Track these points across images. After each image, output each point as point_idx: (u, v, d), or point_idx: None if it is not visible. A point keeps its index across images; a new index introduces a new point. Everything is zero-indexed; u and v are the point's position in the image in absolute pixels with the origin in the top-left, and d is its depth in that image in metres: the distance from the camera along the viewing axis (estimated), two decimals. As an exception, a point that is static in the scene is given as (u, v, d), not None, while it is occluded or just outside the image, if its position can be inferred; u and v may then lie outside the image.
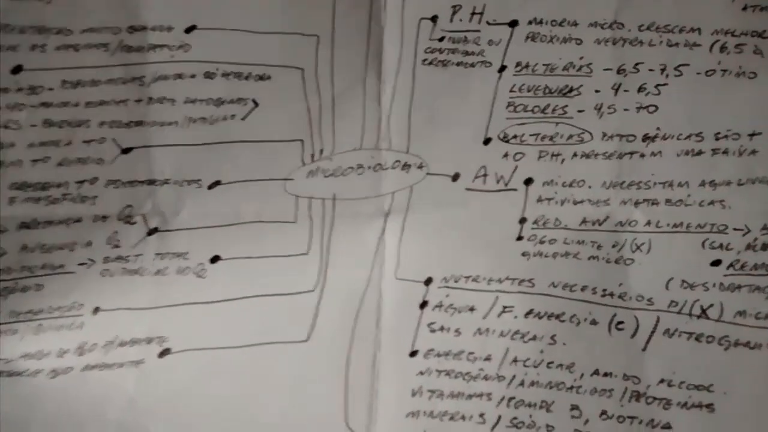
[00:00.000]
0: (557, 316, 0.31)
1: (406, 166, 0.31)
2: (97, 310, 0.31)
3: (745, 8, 0.31)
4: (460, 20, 0.30)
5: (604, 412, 0.30)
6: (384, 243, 0.31)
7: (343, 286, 0.31)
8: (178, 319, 0.31)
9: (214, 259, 0.31)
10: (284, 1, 0.30)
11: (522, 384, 0.30)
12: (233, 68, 0.30)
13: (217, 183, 0.31)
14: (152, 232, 0.31)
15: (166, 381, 0.30)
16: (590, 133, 0.31)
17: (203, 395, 0.30)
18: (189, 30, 0.30)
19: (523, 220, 0.31)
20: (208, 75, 0.30)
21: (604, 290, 0.31)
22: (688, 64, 0.31)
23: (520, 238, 0.31)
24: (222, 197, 0.31)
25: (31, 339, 0.31)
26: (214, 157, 0.30)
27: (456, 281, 0.31)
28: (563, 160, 0.31)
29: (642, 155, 0.31)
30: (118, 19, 0.30)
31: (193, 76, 0.30)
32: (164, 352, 0.31)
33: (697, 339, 0.30)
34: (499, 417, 0.30)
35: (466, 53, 0.30)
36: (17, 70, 0.29)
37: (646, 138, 0.31)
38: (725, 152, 0.31)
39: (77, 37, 0.29)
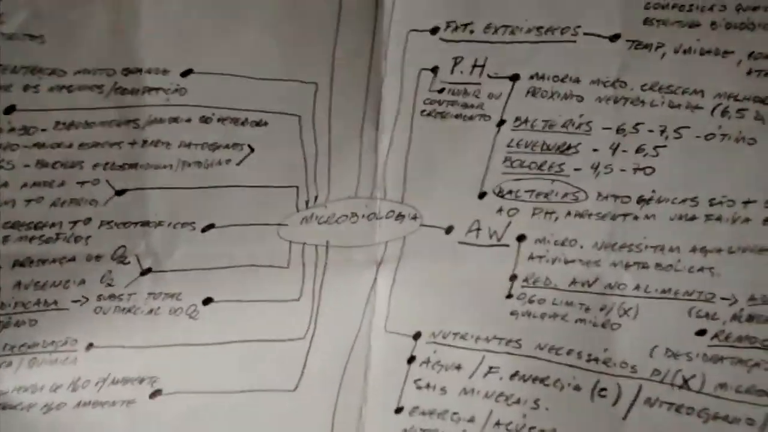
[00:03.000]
0: (542, 380, 0.30)
1: (400, 216, 0.31)
2: (90, 346, 0.31)
3: (749, 72, 0.30)
4: (461, 72, 0.29)
5: None
6: (375, 293, 0.31)
7: (333, 335, 0.31)
8: (169, 360, 0.30)
9: (207, 301, 0.31)
10: (283, 47, 0.29)
11: None
12: (229, 113, 0.29)
13: (211, 226, 0.30)
14: (145, 272, 0.31)
15: (156, 422, 0.31)
16: (585, 193, 0.30)
17: None
18: (185, 74, 0.29)
19: (513, 278, 0.31)
20: (204, 119, 0.29)
21: (589, 355, 0.30)
22: (688, 127, 0.30)
23: (509, 296, 0.31)
24: (215, 240, 0.30)
25: (26, 372, 0.31)
26: (208, 201, 0.30)
27: (444, 337, 0.31)
28: (557, 218, 0.30)
29: (636, 217, 0.30)
30: (112, 61, 0.29)
31: (188, 120, 0.29)
32: (155, 393, 0.31)
33: (677, 410, 0.30)
34: None
35: (466, 106, 0.30)
36: (10, 110, 0.28)
37: (641, 200, 0.30)
38: (719, 218, 0.30)
39: (71, 78, 0.29)
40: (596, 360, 0.30)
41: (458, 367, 0.31)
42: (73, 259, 0.30)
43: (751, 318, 0.30)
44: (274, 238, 0.31)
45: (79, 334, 0.31)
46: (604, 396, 0.30)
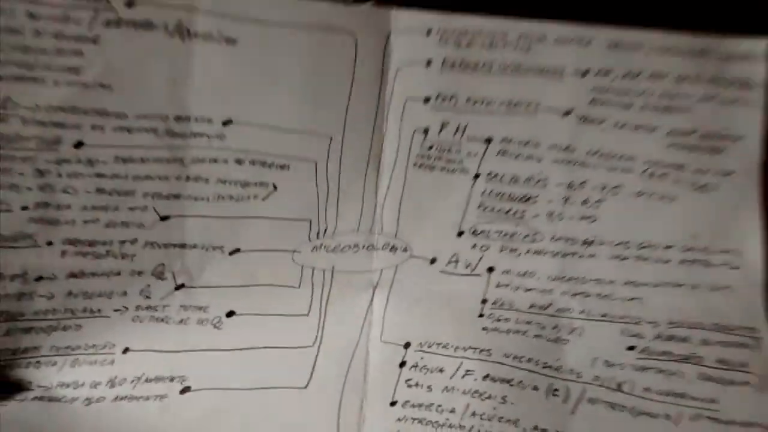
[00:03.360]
0: (508, 381, 0.37)
1: (393, 248, 0.37)
2: (126, 350, 0.36)
3: (669, 145, 0.38)
4: (447, 134, 0.36)
5: None
6: (372, 311, 0.37)
7: (337, 344, 0.36)
8: (197, 362, 0.35)
9: (230, 314, 0.37)
10: (306, 106, 0.35)
11: None
12: (259, 157, 0.36)
13: (237, 250, 0.36)
14: (179, 287, 0.36)
15: (185, 414, 0.35)
16: (542, 234, 0.37)
17: (217, 428, 0.35)
18: (226, 123, 0.35)
19: (484, 301, 0.37)
20: (238, 161, 0.36)
21: (545, 363, 0.37)
22: (623, 186, 0.38)
23: (481, 315, 0.37)
24: (240, 262, 0.36)
25: (68, 371, 0.35)
26: (236, 229, 0.36)
27: (429, 347, 0.37)
28: (519, 254, 0.37)
29: (581, 256, 0.37)
30: (167, 109, 0.35)
31: (225, 161, 0.35)
32: (185, 390, 0.35)
33: (612, 407, 0.37)
34: None
35: (449, 161, 0.37)
36: (79, 145, 0.34)
37: (585, 242, 0.37)
38: (646, 259, 0.37)
39: (131, 121, 0.35)
40: (550, 367, 0.37)
41: (441, 370, 0.37)
42: (118, 273, 0.36)
43: (669, 338, 0.37)
44: (289, 262, 0.37)
45: (118, 339, 0.36)
46: (556, 395, 0.37)
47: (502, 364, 0.37)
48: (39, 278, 0.35)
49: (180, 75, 0.35)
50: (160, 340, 0.36)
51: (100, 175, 0.35)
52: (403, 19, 0.36)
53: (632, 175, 0.38)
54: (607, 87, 0.37)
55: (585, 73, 0.37)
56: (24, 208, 0.34)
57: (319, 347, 0.37)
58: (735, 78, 0.38)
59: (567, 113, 0.37)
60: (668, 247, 0.38)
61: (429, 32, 0.36)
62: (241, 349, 0.36)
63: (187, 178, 0.36)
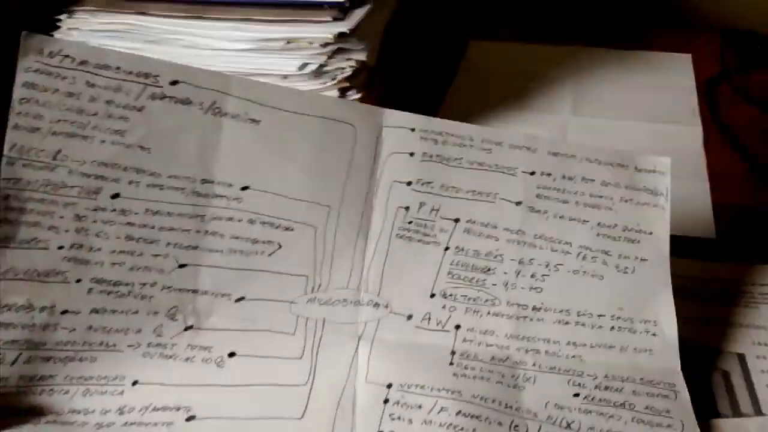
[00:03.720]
0: (477, 417, 0.41)
1: (376, 305, 0.43)
2: (135, 382, 0.39)
3: (597, 235, 0.48)
4: (423, 212, 0.44)
5: None
6: (357, 356, 0.42)
7: (327, 383, 0.41)
8: (201, 395, 0.39)
9: (231, 354, 0.41)
10: (311, 180, 0.42)
11: None
12: (269, 220, 0.42)
13: (242, 298, 0.41)
14: (188, 328, 0.40)
15: None
16: (499, 300, 0.44)
17: None
18: (244, 188, 0.41)
19: (453, 353, 0.43)
20: (251, 221, 0.41)
21: (506, 404, 0.42)
22: (563, 264, 0.46)
23: (451, 363, 0.43)
24: (244, 309, 0.41)
25: (79, 399, 0.38)
26: (243, 279, 0.41)
27: (409, 387, 0.42)
28: (481, 315, 0.44)
29: (531, 319, 0.45)
30: (195, 172, 0.41)
31: (240, 221, 0.41)
32: (190, 418, 0.38)
33: None
34: None
35: (425, 234, 0.44)
36: (115, 196, 0.40)
37: (534, 308, 0.45)
38: (583, 324, 0.45)
39: (164, 180, 0.40)
40: (511, 407, 0.43)
41: (419, 407, 0.41)
42: (136, 312, 0.40)
43: (606, 387, 0.44)
44: (286, 311, 0.42)
45: (128, 372, 0.39)
46: (517, 431, 0.43)
47: (471, 403, 0.42)
48: (65, 312, 0.39)
49: (209, 145, 0.42)
50: (167, 374, 0.40)
51: (130, 224, 0.40)
52: (393, 117, 0.45)
53: (570, 256, 0.46)
54: (549, 185, 0.47)
55: (533, 173, 0.47)
56: (60, 248, 0.39)
57: (311, 386, 0.41)
58: (645, 187, 0.48)
59: (518, 203, 0.46)
60: (600, 315, 0.46)
61: (413, 129, 0.45)
62: (241, 386, 0.41)
63: (206, 232, 0.41)
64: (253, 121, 0.42)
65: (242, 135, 0.42)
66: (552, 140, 0.48)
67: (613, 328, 0.46)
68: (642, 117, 0.75)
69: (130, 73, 0.41)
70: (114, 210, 0.40)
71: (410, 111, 0.46)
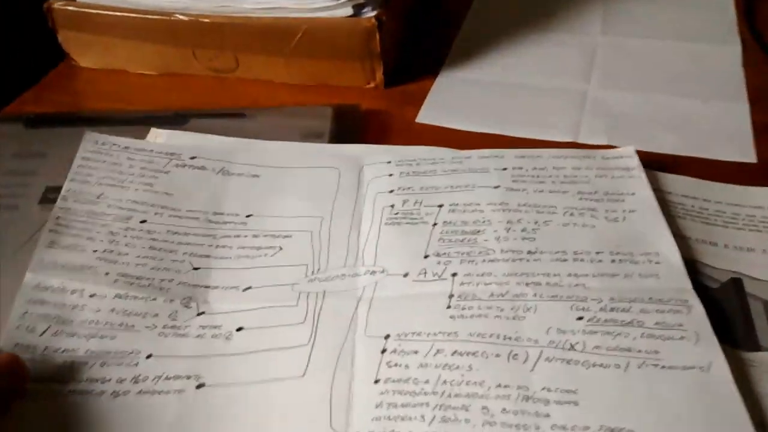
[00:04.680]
0: (473, 354, 0.40)
1: (373, 272, 0.45)
2: (150, 356, 0.42)
3: (581, 199, 0.49)
4: (407, 205, 0.49)
5: (504, 409, 0.37)
6: (357, 315, 0.42)
7: (328, 341, 0.41)
8: (210, 365, 0.40)
9: (239, 329, 0.43)
10: (306, 204, 0.50)
11: (449, 395, 0.38)
12: (270, 232, 0.48)
13: (249, 287, 0.45)
14: (200, 314, 0.44)
15: (201, 405, 0.39)
16: (493, 250, 0.45)
17: (228, 415, 0.39)
18: (248, 216, 0.49)
19: (450, 296, 0.43)
20: (255, 236, 0.48)
21: (505, 336, 0.40)
22: (551, 221, 0.47)
23: (449, 307, 0.42)
24: (250, 295, 0.44)
25: (97, 369, 0.40)
26: (249, 275, 0.45)
27: (405, 335, 0.41)
28: (476, 264, 0.44)
29: (528, 260, 0.45)
30: (208, 209, 0.49)
31: (245, 236, 0.48)
32: (200, 386, 0.40)
33: (567, 362, 0.39)
34: (434, 416, 0.37)
35: (412, 219, 0.48)
36: (143, 221, 0.48)
37: (529, 252, 0.45)
38: (582, 260, 0.45)
39: (182, 213, 0.49)
40: (509, 338, 0.40)
41: (416, 352, 0.40)
42: (154, 299, 0.44)
43: (612, 309, 0.42)
44: (289, 291, 0.45)
45: (143, 348, 0.42)
46: (516, 358, 0.39)
47: (467, 341, 0.41)
48: (92, 295, 0.44)
49: (219, 193, 0.51)
50: (179, 348, 0.42)
51: (154, 239, 0.48)
52: (371, 156, 0.54)
53: (557, 215, 0.48)
54: (523, 174, 0.51)
55: (504, 169, 0.52)
56: (94, 251, 0.46)
57: (313, 344, 0.42)
58: (616, 166, 0.52)
59: (496, 187, 0.50)
60: (598, 252, 0.45)
61: (389, 162, 0.53)
62: (246, 353, 0.42)
63: (216, 246, 0.48)
64: (254, 176, 0.53)
65: (246, 185, 0.52)
66: (517, 150, 0.54)
67: (613, 261, 0.45)
68: (677, 36, 0.70)
69: (160, 152, 0.54)
70: (141, 230, 0.48)
71: (428, 35, 0.59)
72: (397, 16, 0.65)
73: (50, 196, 0.54)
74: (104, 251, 0.46)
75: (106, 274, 0.45)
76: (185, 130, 0.60)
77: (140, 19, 0.66)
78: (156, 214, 0.49)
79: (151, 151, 0.54)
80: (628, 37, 0.71)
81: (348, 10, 0.61)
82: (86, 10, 0.67)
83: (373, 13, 0.61)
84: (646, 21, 0.72)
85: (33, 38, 0.74)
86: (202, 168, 0.53)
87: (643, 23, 0.72)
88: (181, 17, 0.65)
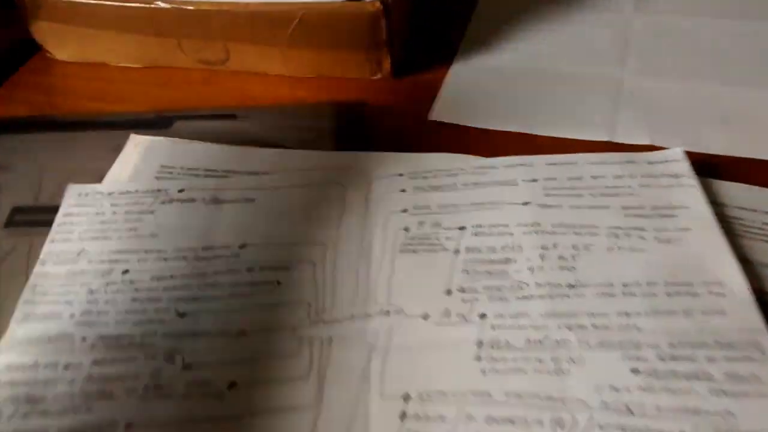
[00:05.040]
0: (510, 421, 0.33)
1: (387, 313, 0.38)
2: (129, 425, 0.36)
3: (626, 216, 0.43)
4: (424, 228, 0.42)
5: None
6: (369, 369, 0.36)
7: (337, 403, 0.35)
8: (199, 429, 0.35)
9: (231, 385, 0.37)
10: (308, 228, 0.43)
11: None
12: (267, 264, 0.41)
13: (243, 332, 0.39)
14: (187, 367, 0.38)
15: None
16: (527, 284, 0.39)
17: None
18: (242, 246, 0.43)
19: (479, 344, 0.37)
20: (249, 269, 0.41)
21: (547, 396, 0.34)
22: (592, 244, 0.41)
23: (478, 358, 0.36)
24: (243, 342, 0.38)
25: None
26: (243, 316, 0.39)
27: (428, 396, 0.35)
28: (508, 301, 0.38)
29: (568, 296, 0.38)
30: (197, 243, 0.43)
31: (239, 271, 0.41)
32: None
33: (624, 430, 0.33)
34: None
35: (431, 244, 0.41)
36: (125, 272, 0.42)
37: (569, 286, 0.38)
38: (632, 294, 0.38)
39: (169, 254, 0.42)
40: (552, 399, 0.34)
41: (442, 418, 0.34)
42: (135, 358, 0.38)
43: (673, 358, 0.35)
44: (289, 336, 0.38)
45: (122, 416, 0.36)
46: (562, 426, 0.33)
47: (503, 404, 0.34)
48: (67, 366, 0.38)
49: (210, 224, 0.45)
50: (161, 415, 0.36)
51: (136, 290, 0.41)
52: (380, 169, 0.47)
53: (598, 237, 0.41)
54: (556, 186, 0.44)
55: (534, 180, 0.45)
56: (71, 316, 0.40)
57: (319, 407, 0.36)
58: (663, 173, 0.45)
59: (526, 203, 0.44)
60: (651, 283, 0.39)
61: (401, 174, 0.46)
62: (241, 416, 0.36)
63: (206, 285, 0.41)
64: (248, 200, 0.46)
65: (240, 211, 0.45)
66: (548, 156, 0.47)
67: (669, 294, 0.38)
68: (724, 12, 0.62)
69: (146, 191, 0.47)
70: (123, 282, 0.42)
71: (440, 16, 0.55)
72: (404, -1, 0.57)
73: (18, 218, 0.48)
74: (83, 313, 0.40)
75: (83, 339, 0.39)
76: (169, 134, 0.53)
77: (116, 6, 0.59)
78: (139, 260, 0.43)
79: (136, 191, 0.47)
80: (666, 14, 0.63)
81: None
82: (56, -3, 0.60)
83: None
84: (687, -6, 0.63)
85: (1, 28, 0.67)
86: (191, 200, 0.46)
87: (680, -1, 0.63)
88: (162, 4, 0.58)
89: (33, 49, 0.66)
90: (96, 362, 0.38)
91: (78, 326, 0.40)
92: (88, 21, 0.61)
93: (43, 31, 0.64)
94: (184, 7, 0.57)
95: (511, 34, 0.63)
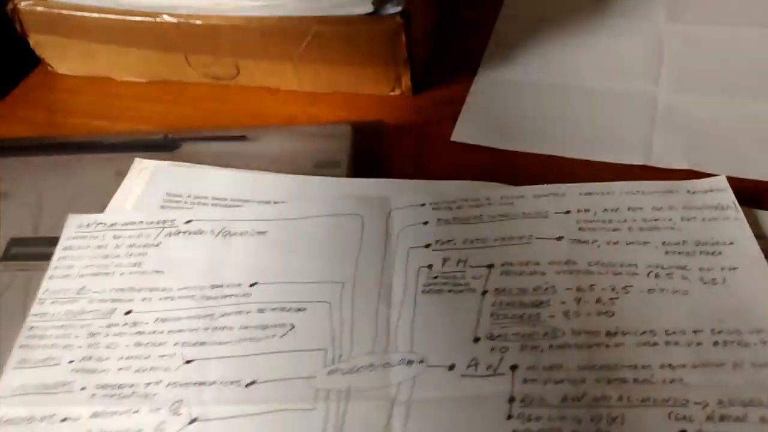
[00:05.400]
0: None
1: (409, 362, 0.36)
2: None
3: (666, 253, 0.40)
4: (449, 266, 0.40)
5: None
6: (391, 425, 0.34)
7: None
8: None
9: (241, 443, 0.35)
10: (322, 264, 0.41)
11: None
12: (279, 305, 0.39)
13: (253, 382, 0.36)
14: (193, 421, 0.35)
15: None
16: (562, 330, 0.36)
17: None
18: (252, 285, 0.40)
19: (511, 400, 0.34)
20: (260, 310, 0.39)
21: None
22: (632, 285, 0.38)
23: (510, 417, 0.34)
24: (255, 392, 0.36)
25: None
26: (253, 365, 0.36)
27: None
28: (542, 351, 0.35)
29: (607, 345, 0.35)
30: (205, 281, 0.41)
31: (249, 312, 0.39)
32: None
33: None
34: None
35: (456, 284, 0.38)
36: (128, 312, 0.40)
37: (608, 333, 0.36)
38: (676, 344, 0.35)
39: (174, 293, 0.40)
40: None
41: None
42: (137, 411, 0.36)
43: (723, 417, 0.33)
44: (304, 387, 0.36)
45: None
46: None
47: None
48: (64, 419, 0.36)
49: (219, 259, 0.42)
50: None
51: (140, 333, 0.39)
52: (400, 198, 0.44)
53: (638, 277, 0.38)
54: (591, 219, 0.42)
55: (567, 212, 0.42)
56: (70, 362, 0.38)
57: (336, 469, 0.33)
58: (706, 204, 0.42)
59: (560, 238, 0.41)
60: (696, 331, 0.36)
61: (423, 205, 0.44)
62: None
63: (214, 328, 0.39)
64: (260, 233, 0.43)
65: (250, 245, 0.43)
66: (580, 184, 0.44)
67: (716, 343, 0.35)
68: (756, 20, 0.58)
69: (151, 222, 0.44)
70: (125, 324, 0.40)
71: (461, 27, 0.51)
72: (425, 10, 0.55)
73: (15, 251, 0.46)
74: (82, 359, 0.38)
75: (82, 389, 0.37)
76: (176, 157, 0.51)
77: (119, 21, 0.56)
78: (144, 300, 0.40)
79: (141, 222, 0.45)
80: (702, 22, 0.59)
81: (367, 7, 0.50)
82: (57, 11, 0.58)
83: (397, 10, 0.50)
84: (719, 3, 0.61)
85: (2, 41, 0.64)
86: (199, 232, 0.44)
87: (717, 5, 0.60)
88: (168, 18, 0.55)
89: (34, 61, 0.64)
90: (95, 415, 0.36)
91: (77, 373, 0.37)
92: (90, 34, 0.59)
93: (42, 45, 0.62)
94: (192, 21, 0.54)
95: (536, 46, 0.59)
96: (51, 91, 0.63)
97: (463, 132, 0.52)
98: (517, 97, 0.55)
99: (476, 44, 0.61)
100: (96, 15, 0.57)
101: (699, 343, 0.35)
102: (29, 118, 0.59)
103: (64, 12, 0.57)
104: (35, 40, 0.61)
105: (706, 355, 0.35)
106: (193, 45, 0.57)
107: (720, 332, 0.36)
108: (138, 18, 0.56)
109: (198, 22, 0.54)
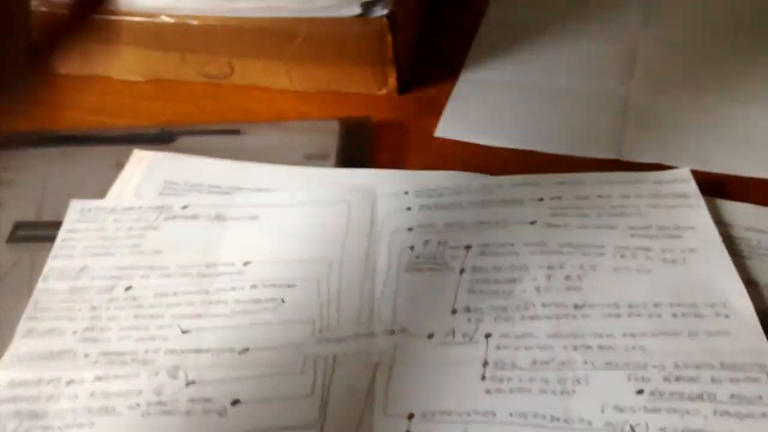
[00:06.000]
0: None
1: (391, 332, 0.39)
2: None
3: (632, 236, 0.44)
4: (430, 247, 0.43)
5: None
6: (374, 387, 0.37)
7: (340, 421, 0.36)
8: None
9: (235, 402, 0.38)
10: (312, 245, 0.44)
11: None
12: (271, 282, 0.42)
13: (246, 349, 0.39)
14: (190, 384, 0.39)
15: None
16: (533, 304, 0.40)
17: None
18: (245, 264, 0.44)
19: (485, 364, 0.38)
20: (253, 287, 0.42)
21: (552, 416, 0.35)
22: (599, 264, 0.42)
23: (483, 378, 0.37)
24: (248, 358, 0.39)
25: None
26: (246, 334, 0.40)
27: (432, 415, 0.35)
28: (514, 321, 0.39)
29: (575, 317, 0.39)
30: (201, 261, 0.44)
31: (242, 288, 0.42)
32: None
33: None
34: None
35: (435, 263, 0.42)
36: (128, 288, 0.43)
37: (575, 306, 0.39)
38: (638, 315, 0.39)
39: (172, 270, 0.44)
40: (557, 419, 0.35)
41: None
42: (138, 374, 0.39)
43: (678, 378, 0.36)
44: (293, 354, 0.39)
45: None
46: None
47: (507, 423, 0.35)
48: (70, 382, 0.39)
49: (214, 241, 0.46)
50: (165, 430, 0.37)
51: (139, 306, 0.42)
52: (385, 185, 0.48)
53: (605, 257, 0.42)
54: (562, 206, 0.45)
55: (541, 199, 0.46)
56: (74, 332, 0.41)
57: (322, 425, 0.36)
58: (671, 193, 0.46)
59: (533, 222, 0.44)
60: (657, 304, 0.40)
61: (407, 192, 0.47)
62: None
63: (209, 302, 0.42)
64: (253, 217, 0.47)
65: (243, 229, 0.46)
66: (554, 174, 0.48)
67: (675, 315, 0.39)
68: (734, 29, 0.62)
69: (150, 207, 0.48)
70: (126, 299, 0.43)
71: (445, 29, 0.57)
72: (410, 14, 0.59)
73: (21, 233, 0.49)
74: (85, 329, 0.41)
75: (86, 355, 0.40)
76: (173, 149, 0.54)
77: (120, 20, 0.60)
78: (142, 277, 0.44)
79: (140, 207, 0.48)
80: (675, 29, 0.63)
81: (355, 9, 0.54)
82: (60, 11, 0.61)
83: (384, 12, 0.54)
84: (696, 11, 0.65)
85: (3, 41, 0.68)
86: (195, 217, 0.47)
87: (692, 13, 0.65)
88: (166, 19, 0.59)
89: (36, 61, 0.67)
90: (98, 378, 0.39)
91: (80, 342, 0.41)
92: (90, 34, 0.62)
93: (45, 45, 0.65)
94: (189, 21, 0.58)
95: (518, 49, 0.64)
96: (51, 89, 0.66)
97: (447, 128, 0.56)
98: (498, 97, 0.59)
99: (460, 47, 0.65)
100: (97, 16, 0.60)
101: (659, 315, 0.39)
102: (33, 115, 0.63)
103: (66, 12, 0.61)
104: (39, 41, 0.65)
105: (665, 325, 0.39)
106: (190, 44, 0.60)
107: (678, 305, 0.39)
108: (138, 19, 0.59)
109: (194, 22, 0.58)
